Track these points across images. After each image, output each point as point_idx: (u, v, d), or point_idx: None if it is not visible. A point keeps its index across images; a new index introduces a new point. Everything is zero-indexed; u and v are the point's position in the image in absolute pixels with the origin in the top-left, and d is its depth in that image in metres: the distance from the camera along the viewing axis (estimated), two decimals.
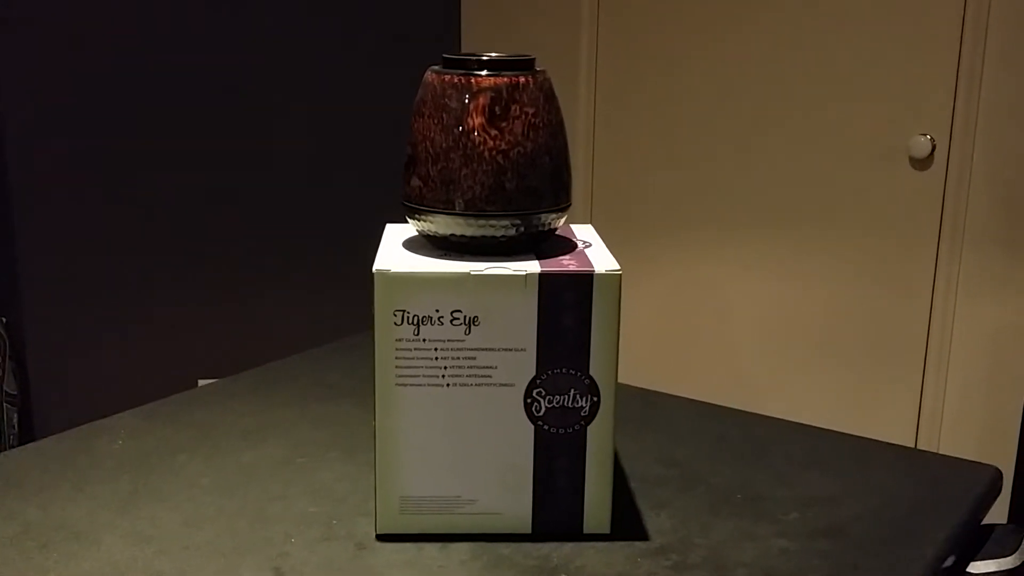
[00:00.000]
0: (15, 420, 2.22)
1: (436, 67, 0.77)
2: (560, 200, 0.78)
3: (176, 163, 2.35)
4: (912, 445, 2.02)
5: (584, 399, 0.75)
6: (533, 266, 0.74)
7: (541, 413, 0.75)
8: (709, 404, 1.07)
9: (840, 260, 2.09)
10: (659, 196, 2.30)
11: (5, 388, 2.20)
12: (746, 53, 2.13)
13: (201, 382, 2.42)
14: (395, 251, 0.78)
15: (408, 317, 0.73)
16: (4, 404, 2.19)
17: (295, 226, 2.46)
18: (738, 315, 2.24)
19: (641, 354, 2.39)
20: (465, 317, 0.73)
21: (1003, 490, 0.92)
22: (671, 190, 2.28)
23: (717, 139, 2.20)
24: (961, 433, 2.00)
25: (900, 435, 2.06)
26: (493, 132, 0.74)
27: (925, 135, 1.94)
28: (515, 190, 0.75)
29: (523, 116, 0.75)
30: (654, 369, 2.38)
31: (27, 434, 2.34)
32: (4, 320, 2.24)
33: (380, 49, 2.46)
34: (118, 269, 2.36)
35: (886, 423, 2.08)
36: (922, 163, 1.96)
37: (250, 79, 2.36)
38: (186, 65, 2.31)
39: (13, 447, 2.16)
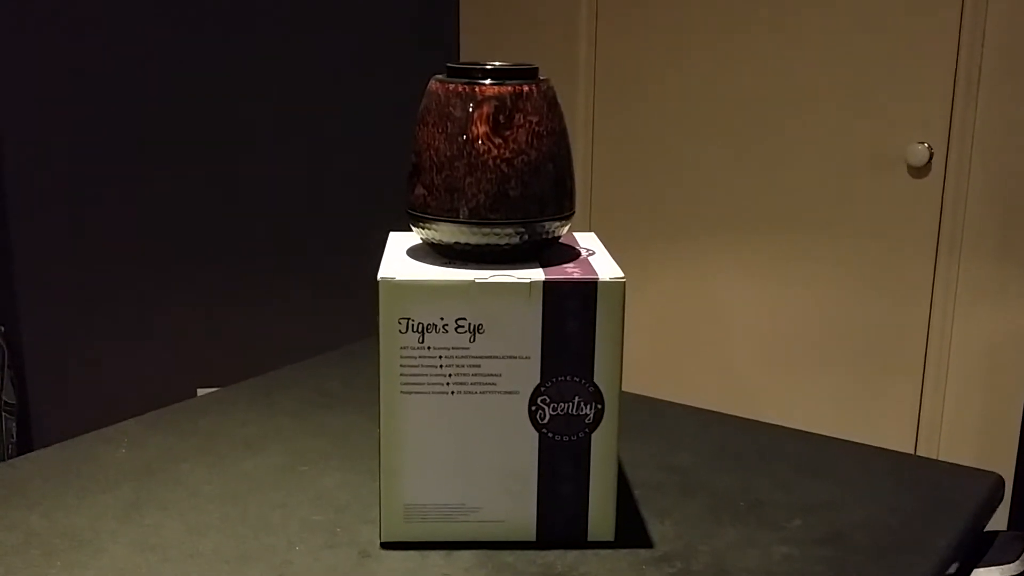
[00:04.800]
0: (14, 430, 2.22)
1: (440, 76, 0.77)
2: (564, 208, 0.78)
3: (176, 171, 2.35)
4: (911, 451, 2.03)
5: (588, 406, 0.75)
6: (537, 274, 0.74)
7: (545, 421, 0.75)
8: (710, 411, 1.07)
9: (839, 267, 2.09)
10: (658, 203, 2.30)
11: (4, 397, 2.19)
12: (744, 62, 2.13)
13: (200, 391, 2.41)
14: (399, 259, 0.78)
15: (413, 325, 0.73)
16: (3, 414, 2.18)
17: (297, 235, 2.46)
18: (737, 322, 2.24)
19: (640, 361, 2.39)
20: (469, 325, 0.73)
21: (1003, 497, 0.92)
22: (670, 197, 2.28)
23: (716, 147, 2.20)
24: (960, 440, 2.01)
25: (899, 441, 2.06)
26: (497, 140, 0.74)
27: (923, 143, 1.94)
28: (519, 198, 0.75)
29: (527, 124, 0.75)
30: (653, 376, 2.38)
31: (26, 444, 2.33)
32: (3, 329, 2.24)
33: (380, 58, 2.46)
34: (117, 278, 2.36)
35: (885, 429, 2.08)
36: (920, 171, 1.97)
37: (251, 88, 2.36)
38: (187, 72, 2.32)
39: (12, 457, 2.16)
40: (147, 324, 2.40)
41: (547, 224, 0.77)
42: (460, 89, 0.75)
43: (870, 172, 2.02)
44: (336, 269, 2.50)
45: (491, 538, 0.78)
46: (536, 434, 0.76)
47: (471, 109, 0.74)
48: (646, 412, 1.06)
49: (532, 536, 0.78)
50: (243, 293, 2.45)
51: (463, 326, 0.73)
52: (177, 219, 2.38)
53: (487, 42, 2.49)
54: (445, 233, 0.76)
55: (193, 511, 0.82)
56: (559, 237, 0.80)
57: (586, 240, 0.86)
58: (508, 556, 0.76)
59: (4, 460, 1.47)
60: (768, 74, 2.11)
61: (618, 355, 0.75)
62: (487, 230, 0.75)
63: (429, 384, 0.74)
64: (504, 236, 0.76)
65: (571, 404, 0.75)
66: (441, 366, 0.74)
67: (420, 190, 0.77)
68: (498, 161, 0.75)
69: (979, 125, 1.90)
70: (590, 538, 0.78)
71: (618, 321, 0.74)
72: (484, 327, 0.73)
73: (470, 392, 0.74)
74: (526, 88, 0.75)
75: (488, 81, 0.75)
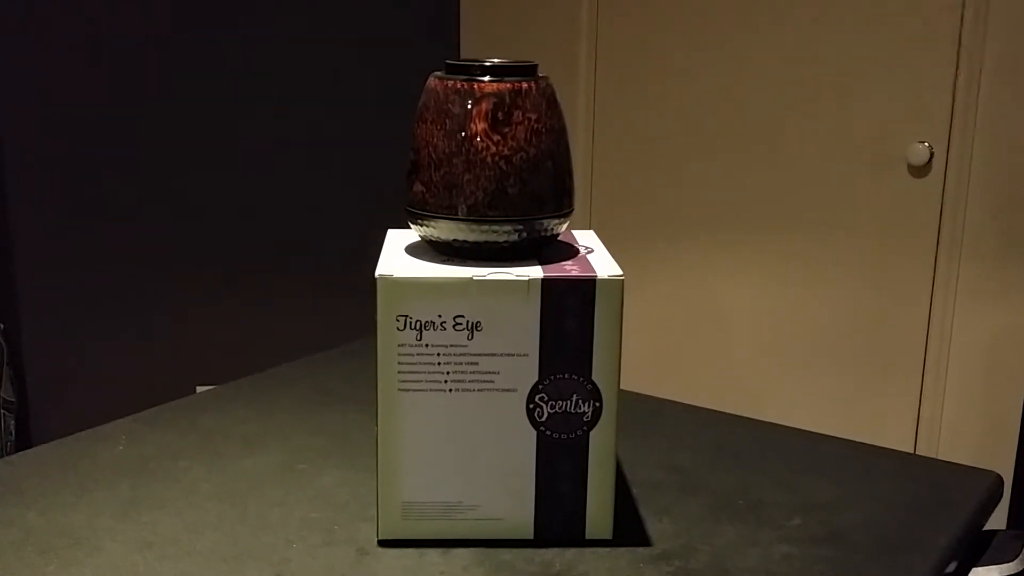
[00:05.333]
0: (12, 427, 2.22)
1: (439, 73, 0.77)
2: (563, 205, 0.78)
3: (175, 169, 2.35)
4: (911, 450, 2.02)
5: (586, 404, 0.75)
6: (536, 271, 0.74)
7: (543, 418, 0.75)
8: (709, 410, 1.07)
9: (839, 266, 2.09)
10: (658, 202, 2.30)
11: (3, 395, 2.19)
12: (745, 61, 2.13)
13: (199, 389, 2.41)
14: (397, 256, 0.78)
15: (411, 322, 0.73)
16: (2, 411, 2.18)
17: (295, 232, 2.46)
18: (737, 321, 2.24)
19: (639, 360, 2.39)
20: (467, 322, 0.73)
21: (1002, 496, 0.92)
22: (670, 196, 2.28)
23: (716, 146, 2.20)
24: (960, 439, 2.00)
25: (899, 440, 2.06)
26: (496, 137, 0.74)
27: (923, 142, 1.94)
28: (518, 195, 0.75)
29: (526, 122, 0.75)
30: (652, 375, 2.38)
31: (24, 441, 2.33)
32: (2, 327, 2.24)
33: (380, 55, 2.46)
34: (116, 275, 2.36)
35: (885, 428, 2.08)
36: (920, 170, 1.97)
37: (250, 85, 2.36)
38: (185, 70, 2.31)
39: (10, 454, 2.15)
40: (146, 322, 2.40)
41: (546, 222, 0.77)
42: (459, 86, 0.75)
43: (870, 171, 2.02)
44: (335, 266, 2.50)
45: (489, 536, 0.78)
46: (534, 432, 0.75)
47: (470, 106, 0.74)
48: (645, 410, 1.06)
49: (530, 534, 0.78)
50: (242, 291, 2.44)
51: (461, 323, 0.73)
52: (176, 217, 2.37)
53: (488, 39, 2.49)
54: (443, 230, 0.76)
55: (191, 509, 0.82)
56: (558, 235, 0.80)
57: (585, 238, 0.86)
58: (506, 554, 0.76)
59: (2, 457, 1.47)
60: (769, 73, 2.11)
61: (616, 353, 0.75)
62: (485, 227, 0.75)
63: (427, 382, 0.74)
64: (502, 233, 0.76)
65: (569, 402, 0.75)
66: (439, 363, 0.74)
67: (418, 187, 0.77)
68: (497, 158, 0.74)
69: (980, 124, 1.89)
70: (588, 536, 0.78)
71: (616, 319, 0.74)
72: (482, 325, 0.73)
73: (468, 390, 0.74)
74: (525, 85, 0.75)
75: (487, 78, 0.75)
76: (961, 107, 1.90)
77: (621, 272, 0.74)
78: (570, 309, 0.73)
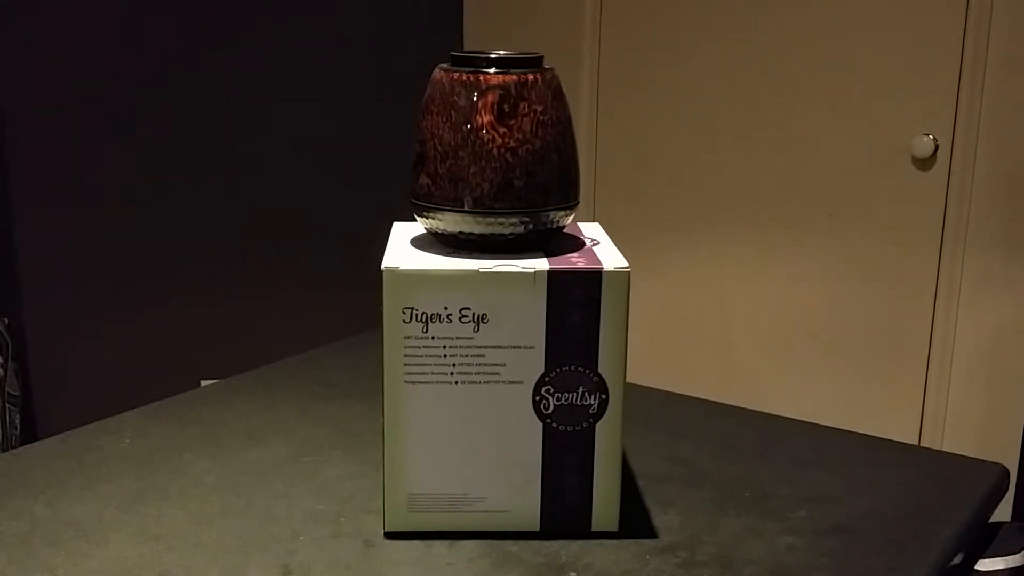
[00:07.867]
0: (17, 421, 2.22)
1: (444, 65, 0.77)
2: (568, 197, 0.78)
3: (178, 162, 2.35)
4: (915, 443, 2.02)
5: (593, 397, 0.75)
6: (542, 264, 0.74)
7: (550, 411, 0.75)
8: (713, 402, 1.07)
9: (843, 260, 2.09)
10: (662, 195, 2.30)
11: (7, 389, 2.19)
12: (749, 52, 2.13)
13: (203, 382, 2.42)
14: (403, 249, 0.78)
15: (417, 315, 0.73)
16: (6, 405, 2.19)
17: (299, 225, 2.46)
18: (741, 314, 2.24)
19: (643, 353, 2.39)
20: (474, 315, 0.73)
21: (1008, 488, 0.92)
22: (674, 189, 2.28)
23: (720, 138, 2.20)
24: (964, 431, 2.00)
25: (903, 433, 2.06)
26: (502, 130, 0.74)
27: (928, 135, 1.94)
28: (524, 187, 0.75)
29: (532, 114, 0.75)
30: (657, 368, 2.38)
31: (29, 435, 2.34)
32: (6, 321, 2.24)
33: (383, 47, 2.46)
34: (119, 269, 2.36)
35: (889, 422, 2.08)
36: (925, 163, 1.96)
37: (253, 78, 2.36)
38: (187, 64, 2.31)
39: (15, 448, 2.16)
40: (150, 315, 2.40)
41: (552, 214, 0.77)
42: (465, 78, 0.75)
43: (875, 164, 2.02)
44: (338, 260, 2.50)
45: (495, 528, 0.78)
46: (540, 424, 0.75)
47: (475, 98, 0.74)
48: (650, 403, 1.06)
49: (536, 526, 0.78)
50: (246, 284, 2.44)
51: (467, 316, 0.73)
52: (180, 210, 2.37)
53: (491, 31, 2.48)
54: (449, 223, 0.76)
55: (196, 501, 0.82)
56: (564, 227, 0.80)
57: (591, 230, 0.86)
58: (512, 546, 0.76)
59: (7, 451, 1.47)
60: (773, 65, 2.10)
61: (623, 345, 0.75)
62: (491, 220, 0.75)
63: (433, 374, 0.74)
64: (508, 226, 0.75)
65: (575, 394, 0.75)
66: (445, 356, 0.74)
67: (424, 179, 0.77)
68: (502, 150, 0.74)
69: (985, 116, 1.89)
70: (594, 528, 0.78)
71: (623, 311, 0.74)
72: (488, 317, 0.73)
73: (474, 382, 0.74)
74: (531, 77, 0.75)
75: (493, 70, 0.75)
76: (966, 99, 1.90)
77: (627, 264, 0.74)
78: (576, 301, 0.73)
